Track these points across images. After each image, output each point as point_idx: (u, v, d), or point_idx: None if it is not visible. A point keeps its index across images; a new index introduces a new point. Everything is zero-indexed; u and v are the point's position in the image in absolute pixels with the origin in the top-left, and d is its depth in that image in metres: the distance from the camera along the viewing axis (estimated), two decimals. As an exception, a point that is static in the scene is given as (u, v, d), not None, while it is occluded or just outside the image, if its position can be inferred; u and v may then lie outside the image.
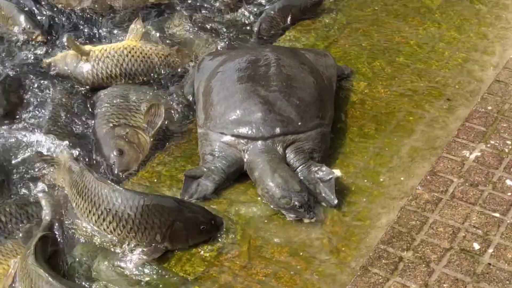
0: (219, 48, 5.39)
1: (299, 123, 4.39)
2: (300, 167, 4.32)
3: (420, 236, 3.91)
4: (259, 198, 4.24)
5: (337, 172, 4.42)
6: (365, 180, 4.38)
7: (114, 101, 4.89)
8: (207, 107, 4.55)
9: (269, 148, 4.31)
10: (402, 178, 4.38)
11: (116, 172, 4.50)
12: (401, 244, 3.86)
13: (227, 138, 4.37)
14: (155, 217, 3.85)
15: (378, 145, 4.61)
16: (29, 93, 5.05)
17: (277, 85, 4.50)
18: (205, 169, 4.32)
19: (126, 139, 4.63)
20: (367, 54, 5.37)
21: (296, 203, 4.05)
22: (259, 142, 4.32)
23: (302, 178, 4.28)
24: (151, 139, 4.69)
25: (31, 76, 5.17)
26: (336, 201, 4.20)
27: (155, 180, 4.39)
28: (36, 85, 5.09)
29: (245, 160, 4.32)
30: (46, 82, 5.12)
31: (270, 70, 4.59)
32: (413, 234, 3.91)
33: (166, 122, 4.78)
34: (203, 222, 3.97)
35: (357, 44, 5.49)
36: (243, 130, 4.35)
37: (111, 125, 4.74)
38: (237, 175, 4.37)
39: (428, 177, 4.25)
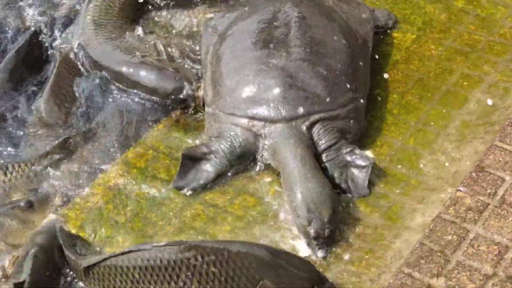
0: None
1: (328, 99, 3.60)
2: (326, 150, 3.57)
3: (456, 256, 3.12)
4: (273, 188, 3.55)
5: (368, 154, 3.66)
6: (400, 166, 3.61)
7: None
8: (215, 81, 3.78)
9: (292, 131, 3.54)
10: (446, 164, 3.59)
11: (187, 90, 3.91)
12: (431, 268, 3.08)
13: (240, 120, 3.61)
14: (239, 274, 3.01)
15: (421, 119, 3.81)
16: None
17: (299, 51, 3.68)
18: (206, 149, 3.62)
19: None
20: (419, -4, 4.48)
21: (312, 231, 3.29)
22: (279, 124, 3.55)
23: (328, 162, 3.56)
24: None
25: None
26: (367, 193, 3.49)
27: (151, 158, 3.73)
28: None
29: (262, 146, 3.58)
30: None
31: (291, 32, 3.76)
32: (448, 254, 3.12)
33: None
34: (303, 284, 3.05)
35: (409, -16, 4.59)
36: (259, 111, 3.58)
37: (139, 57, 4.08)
38: (244, 161, 3.64)
39: (473, 174, 3.42)
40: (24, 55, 4.21)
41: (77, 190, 3.62)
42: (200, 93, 3.92)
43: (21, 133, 3.91)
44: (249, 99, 3.62)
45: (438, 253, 3.15)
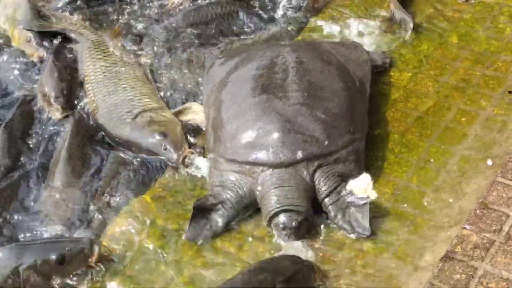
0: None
1: (326, 142, 3.66)
2: (329, 195, 3.62)
3: (466, 295, 3.19)
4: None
5: (372, 194, 3.71)
6: (405, 204, 3.67)
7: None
8: (216, 127, 3.84)
9: (290, 177, 3.60)
10: (450, 200, 3.65)
11: (175, 160, 3.92)
12: (442, 308, 3.16)
13: (240, 166, 3.67)
14: None
15: (422, 157, 3.88)
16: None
17: (297, 96, 3.74)
18: (214, 201, 3.67)
19: (154, 121, 4.09)
20: (412, 35, 4.56)
21: (281, 220, 3.50)
22: (277, 170, 3.61)
23: (331, 205, 3.61)
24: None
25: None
26: (369, 232, 3.53)
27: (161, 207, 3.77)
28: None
29: (257, 192, 3.64)
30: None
31: (289, 76, 3.83)
32: (457, 293, 3.20)
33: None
34: None
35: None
36: (258, 156, 3.63)
37: (129, 120, 4.13)
38: (252, 209, 3.70)
39: (477, 211, 3.48)
40: (16, 126, 4.23)
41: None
42: (185, 154, 3.95)
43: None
44: (249, 144, 3.67)
45: (448, 293, 3.21)
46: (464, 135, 3.95)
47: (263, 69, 3.91)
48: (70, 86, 4.41)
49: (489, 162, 3.76)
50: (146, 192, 3.87)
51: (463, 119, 4.04)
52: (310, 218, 3.57)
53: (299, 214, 3.52)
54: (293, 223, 3.49)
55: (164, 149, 3.97)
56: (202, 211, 3.64)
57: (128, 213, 3.74)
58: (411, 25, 4.49)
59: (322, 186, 3.62)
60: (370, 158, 3.89)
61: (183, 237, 3.60)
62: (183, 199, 3.82)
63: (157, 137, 4.00)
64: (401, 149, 3.93)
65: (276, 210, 3.54)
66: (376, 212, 3.64)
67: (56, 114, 4.28)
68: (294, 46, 4.13)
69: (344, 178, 3.66)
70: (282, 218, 3.52)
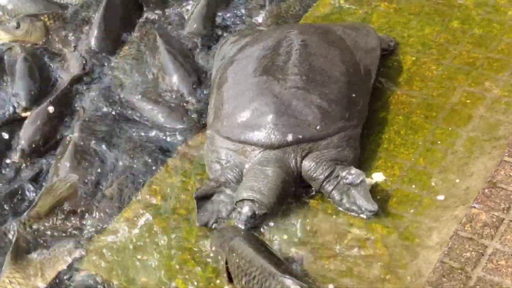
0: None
1: (318, 127, 3.66)
2: (326, 180, 3.62)
3: (476, 272, 3.19)
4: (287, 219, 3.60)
5: (379, 176, 3.74)
6: (413, 186, 3.67)
7: None
8: (217, 104, 3.88)
9: (278, 158, 3.62)
10: (457, 181, 3.66)
11: None
12: (453, 286, 3.14)
13: (233, 145, 3.71)
14: None
15: (428, 138, 3.88)
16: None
17: (295, 79, 3.76)
18: (214, 184, 3.68)
19: None
20: (415, 19, 4.57)
21: (241, 206, 3.53)
22: (267, 151, 3.63)
23: (332, 191, 3.61)
24: None
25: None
26: (375, 206, 3.54)
27: (166, 197, 3.78)
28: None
29: (244, 171, 3.66)
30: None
31: (291, 59, 3.84)
32: (468, 271, 3.18)
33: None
34: None
35: (403, 7, 4.67)
36: (250, 136, 3.66)
37: None
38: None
39: (486, 190, 3.49)
40: None
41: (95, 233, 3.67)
42: None
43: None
44: (243, 124, 3.70)
45: (459, 271, 3.21)
46: (470, 117, 3.96)
47: (267, 50, 3.94)
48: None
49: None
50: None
51: (468, 101, 4.04)
52: (270, 212, 3.56)
53: (261, 208, 3.52)
54: (249, 213, 3.50)
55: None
56: (205, 199, 3.65)
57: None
58: None
59: (316, 171, 3.62)
60: (375, 141, 3.90)
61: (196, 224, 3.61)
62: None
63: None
64: (407, 131, 3.93)
65: (242, 198, 3.55)
66: (383, 194, 3.64)
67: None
68: (303, 29, 4.15)
69: (338, 163, 3.66)
70: (243, 204, 3.54)
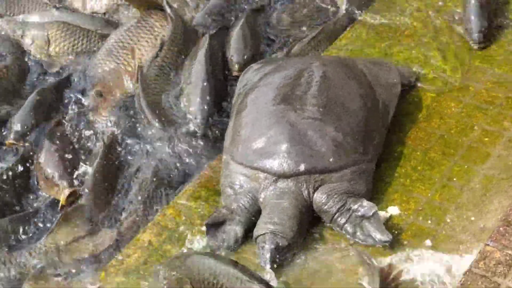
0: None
1: (331, 159, 3.69)
2: (338, 213, 3.64)
3: (489, 309, 3.20)
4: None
5: (394, 210, 3.76)
6: (429, 221, 3.68)
7: None
8: (234, 129, 3.94)
9: (291, 189, 3.64)
10: (473, 218, 3.67)
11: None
12: (466, 321, 3.17)
13: (247, 171, 3.73)
14: None
15: (445, 174, 3.89)
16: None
17: (312, 110, 3.80)
18: (226, 212, 3.70)
19: None
20: (435, 55, 4.60)
21: (264, 240, 3.49)
22: (280, 180, 3.66)
23: (345, 224, 3.62)
24: None
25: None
26: (389, 237, 3.54)
27: (183, 219, 3.80)
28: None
29: (260, 200, 3.68)
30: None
31: (310, 90, 3.89)
32: (481, 307, 3.21)
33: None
34: None
35: (425, 42, 4.71)
36: (263, 163, 3.69)
37: None
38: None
39: (501, 228, 3.50)
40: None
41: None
42: None
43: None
44: (257, 150, 3.74)
45: (472, 307, 3.22)
46: (487, 155, 3.97)
47: (288, 79, 4.00)
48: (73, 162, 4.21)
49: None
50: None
51: (486, 139, 4.06)
52: (294, 244, 3.55)
53: (283, 239, 3.51)
54: (272, 245, 3.47)
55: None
56: (216, 226, 3.66)
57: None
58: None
59: (327, 204, 3.64)
60: (392, 175, 3.92)
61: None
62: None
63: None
64: (424, 166, 3.95)
65: (262, 232, 3.54)
66: (398, 227, 3.66)
67: (64, 193, 3.99)
68: (325, 60, 4.22)
69: (350, 196, 3.67)
70: (264, 238, 3.52)
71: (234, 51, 4.73)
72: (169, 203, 3.94)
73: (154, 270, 3.49)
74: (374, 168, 3.85)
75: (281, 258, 3.49)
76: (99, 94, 4.34)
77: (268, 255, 3.46)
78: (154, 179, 4.05)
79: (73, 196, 3.97)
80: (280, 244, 3.48)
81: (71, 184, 4.03)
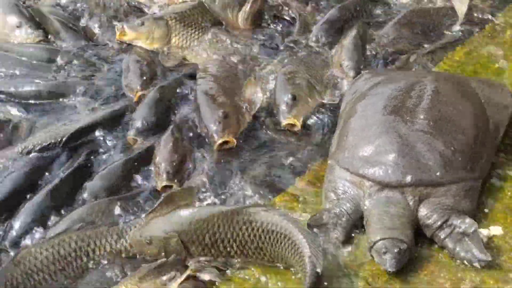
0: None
1: (438, 173, 3.69)
2: (439, 228, 3.63)
3: None
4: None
5: (497, 230, 3.73)
6: (534, 245, 3.66)
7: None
8: (342, 135, 3.99)
9: (396, 199, 3.65)
10: None
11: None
12: None
13: (352, 177, 3.77)
14: None
15: (555, 197, 3.87)
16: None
17: (422, 123, 3.82)
18: (328, 214, 3.73)
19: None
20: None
21: (383, 245, 3.49)
22: (385, 189, 3.69)
23: (446, 239, 3.61)
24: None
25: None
26: (488, 256, 3.52)
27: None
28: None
29: (364, 208, 3.71)
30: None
31: (421, 103, 3.92)
32: None
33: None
34: None
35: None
36: (369, 171, 3.71)
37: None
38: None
39: None
40: None
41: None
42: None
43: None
44: (364, 158, 3.77)
45: None
46: None
47: (399, 91, 4.04)
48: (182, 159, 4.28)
49: None
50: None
51: None
52: (412, 248, 3.57)
53: (402, 242, 3.52)
54: (395, 249, 3.48)
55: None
56: (317, 228, 3.71)
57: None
58: None
59: (431, 218, 3.64)
60: (497, 195, 3.90)
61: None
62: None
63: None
64: (532, 188, 3.93)
65: (379, 238, 3.54)
66: (500, 247, 3.62)
67: (158, 184, 4.13)
68: (437, 76, 4.23)
69: (454, 212, 3.66)
70: (384, 243, 3.51)
71: (348, 59, 4.79)
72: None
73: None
74: (479, 186, 3.84)
75: (402, 261, 3.51)
76: (225, 116, 4.35)
77: (393, 260, 3.47)
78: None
79: (169, 190, 4.05)
80: (401, 248, 3.50)
81: (170, 178, 4.14)
